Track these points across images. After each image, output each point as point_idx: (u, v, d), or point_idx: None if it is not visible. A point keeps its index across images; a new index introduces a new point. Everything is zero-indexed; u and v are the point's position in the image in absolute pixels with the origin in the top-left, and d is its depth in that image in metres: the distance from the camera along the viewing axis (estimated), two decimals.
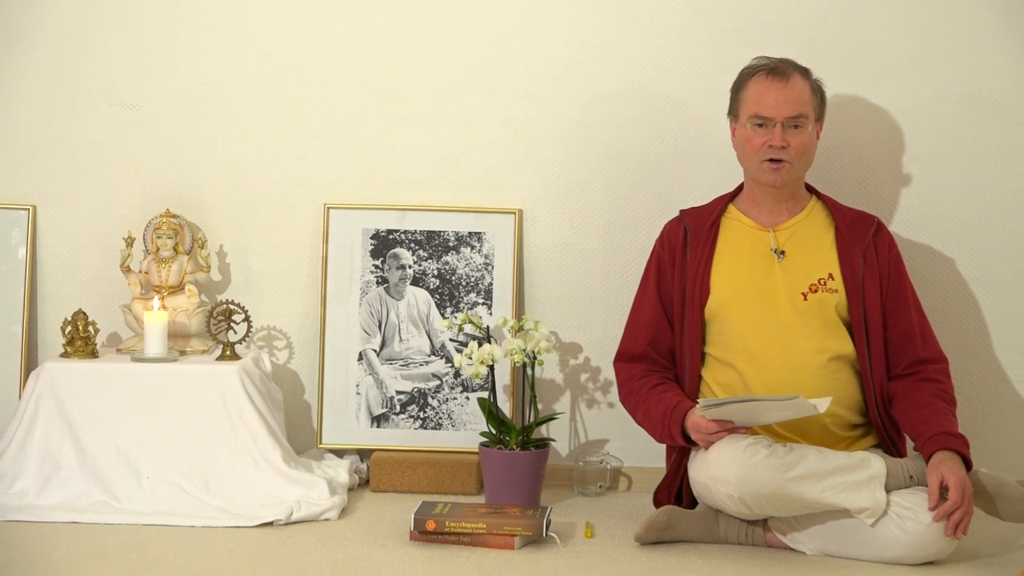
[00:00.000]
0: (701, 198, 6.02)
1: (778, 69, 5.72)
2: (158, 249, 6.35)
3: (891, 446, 5.76)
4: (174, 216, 6.39)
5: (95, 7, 6.46)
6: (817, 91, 5.78)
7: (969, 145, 6.33)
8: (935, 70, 6.34)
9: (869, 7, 6.33)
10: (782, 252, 5.79)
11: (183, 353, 6.28)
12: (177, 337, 6.29)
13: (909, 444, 5.75)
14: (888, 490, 5.47)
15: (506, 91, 6.45)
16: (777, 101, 5.68)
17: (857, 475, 5.47)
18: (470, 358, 6.08)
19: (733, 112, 5.80)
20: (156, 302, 6.23)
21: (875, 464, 5.50)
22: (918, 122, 6.35)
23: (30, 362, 6.43)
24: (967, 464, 5.51)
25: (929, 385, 5.73)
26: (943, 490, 5.37)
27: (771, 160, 5.69)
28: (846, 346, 5.72)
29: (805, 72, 5.76)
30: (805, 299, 5.72)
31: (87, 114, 6.50)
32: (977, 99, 6.34)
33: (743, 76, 5.79)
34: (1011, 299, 6.34)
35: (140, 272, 6.36)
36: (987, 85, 6.33)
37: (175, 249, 6.37)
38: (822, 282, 5.74)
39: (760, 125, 5.67)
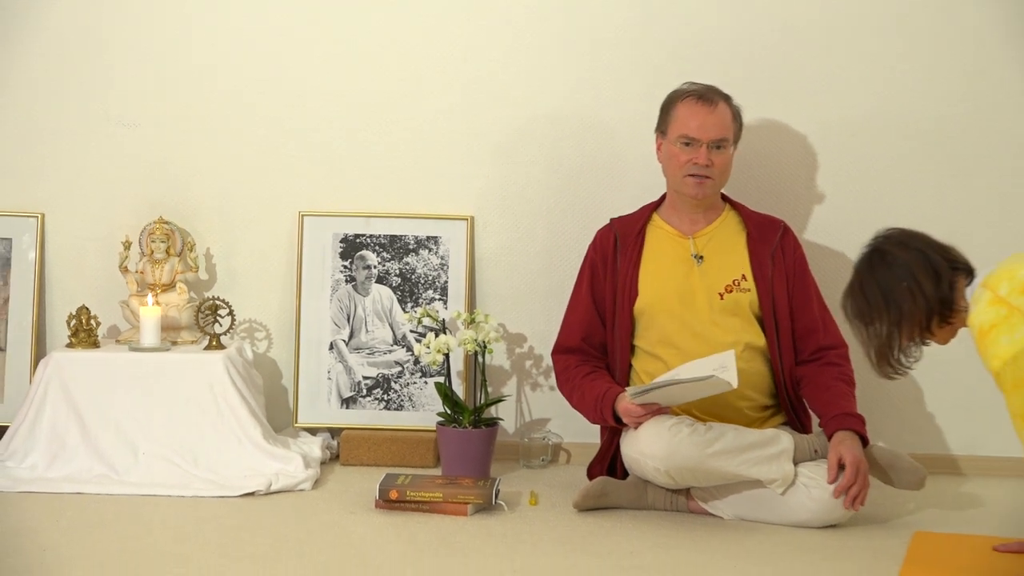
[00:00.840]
0: (629, 206, 6.01)
1: (706, 96, 5.73)
2: (152, 252, 6.36)
3: (798, 423, 5.79)
4: (166, 223, 6.39)
5: (98, 36, 6.45)
6: (737, 117, 5.80)
7: (869, 160, 6.36)
8: (841, 95, 6.36)
9: (784, 41, 6.34)
10: (700, 257, 5.80)
11: (174, 343, 6.29)
12: (169, 329, 6.29)
13: (814, 420, 5.78)
14: (796, 463, 5.52)
15: (460, 111, 6.45)
16: (704, 125, 5.69)
17: (768, 450, 5.50)
18: (428, 347, 6.09)
19: (661, 129, 5.80)
20: (150, 298, 6.23)
21: (784, 440, 5.54)
22: (826, 141, 6.37)
23: (39, 352, 6.42)
24: (864, 441, 5.56)
25: (831, 368, 5.77)
26: (841, 468, 5.43)
27: (694, 175, 5.71)
28: (758, 338, 5.75)
29: (728, 99, 5.77)
30: (721, 298, 5.75)
31: (90, 133, 6.50)
32: (877, 119, 6.37)
33: (673, 98, 5.78)
34: None
35: (136, 272, 6.36)
36: (888, 107, 6.36)
37: (167, 252, 6.36)
38: (736, 283, 5.77)
39: (687, 144, 5.68)
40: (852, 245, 6.23)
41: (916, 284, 4.71)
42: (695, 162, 5.70)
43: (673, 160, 5.75)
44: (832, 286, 6.19)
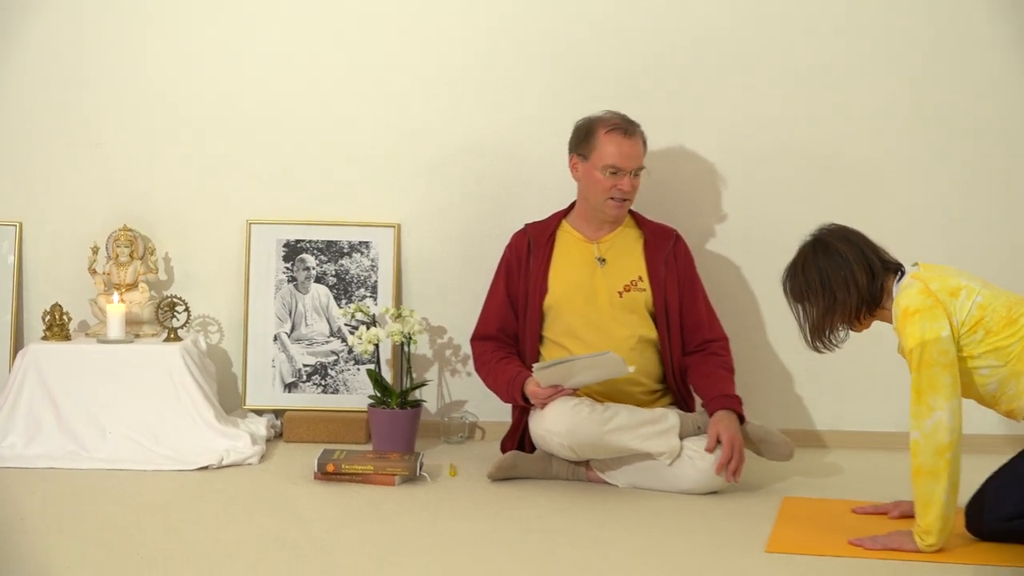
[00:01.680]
0: (535, 215, 6.01)
1: (628, 129, 5.71)
2: (117, 256, 6.33)
3: (683, 404, 5.83)
4: (130, 230, 6.36)
5: (70, 66, 6.43)
6: (646, 144, 5.81)
7: (756, 181, 6.38)
8: (740, 125, 6.38)
9: (686, 73, 6.36)
10: (603, 260, 5.82)
11: (137, 336, 6.26)
12: (132, 324, 6.26)
13: (698, 401, 5.83)
14: (682, 437, 5.55)
15: (389, 133, 6.44)
16: (628, 156, 5.69)
17: (658, 426, 5.54)
18: (360, 339, 6.09)
19: (582, 153, 5.75)
20: (116, 297, 6.21)
21: (671, 418, 5.58)
22: (724, 164, 6.38)
23: (17, 344, 6.39)
24: (741, 418, 5.61)
25: (714, 358, 5.80)
26: (719, 443, 5.49)
27: (616, 199, 5.73)
28: (650, 332, 5.77)
29: (640, 128, 5.78)
30: (620, 296, 5.77)
31: (63, 151, 6.46)
32: (773, 146, 6.39)
33: (595, 127, 5.74)
34: (775, 296, 6.35)
35: (103, 273, 6.33)
36: (782, 135, 6.40)
37: (131, 255, 6.34)
38: (633, 283, 5.79)
39: (613, 173, 5.69)
40: (739, 254, 6.34)
41: (852, 277, 4.78)
42: (619, 188, 5.70)
43: (597, 185, 5.72)
44: (721, 289, 6.28)
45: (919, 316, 4.68)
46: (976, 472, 4.79)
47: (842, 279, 4.79)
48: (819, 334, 4.86)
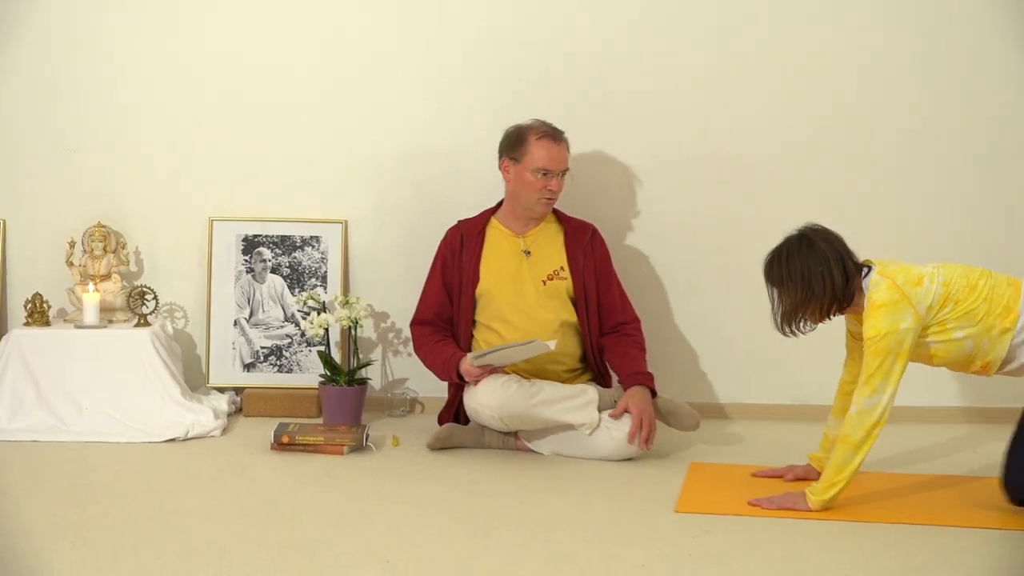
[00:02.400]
0: (469, 212, 6.01)
1: (556, 135, 5.73)
2: (92, 249, 6.30)
3: (601, 380, 5.84)
4: (103, 226, 6.33)
5: (48, 78, 6.38)
6: (569, 149, 5.81)
7: (666, 182, 6.37)
8: (650, 128, 6.37)
9: (607, 86, 6.35)
10: (528, 252, 5.82)
11: (111, 322, 6.23)
12: (106, 311, 6.23)
13: (614, 378, 5.84)
14: (600, 411, 5.57)
15: (338, 137, 6.43)
16: (557, 159, 5.70)
17: (579, 400, 5.56)
18: (312, 323, 6.10)
19: (514, 157, 5.75)
20: (91, 286, 6.19)
21: (591, 392, 5.61)
22: (635, 166, 6.38)
23: (1, 329, 6.33)
24: (653, 392, 5.64)
25: (627, 339, 5.83)
26: (627, 412, 5.53)
27: (547, 198, 5.75)
28: (571, 316, 5.79)
29: (565, 135, 5.79)
30: (544, 285, 5.78)
31: (42, 156, 6.41)
32: (677, 149, 6.39)
33: (526, 134, 5.74)
34: (683, 283, 6.40)
35: (80, 265, 6.30)
36: (697, 144, 6.39)
37: (104, 249, 6.31)
38: (556, 273, 5.80)
39: (544, 174, 5.70)
40: (651, 246, 6.35)
41: (830, 274, 4.78)
42: (549, 188, 5.72)
43: (529, 186, 5.72)
44: (635, 276, 6.31)
45: (885, 310, 4.73)
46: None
47: (820, 275, 4.79)
48: (790, 320, 4.86)
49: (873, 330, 4.72)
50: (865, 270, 4.85)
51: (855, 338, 5.01)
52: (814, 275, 4.78)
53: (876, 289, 4.77)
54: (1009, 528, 4.67)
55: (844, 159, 6.37)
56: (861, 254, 4.92)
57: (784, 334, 4.90)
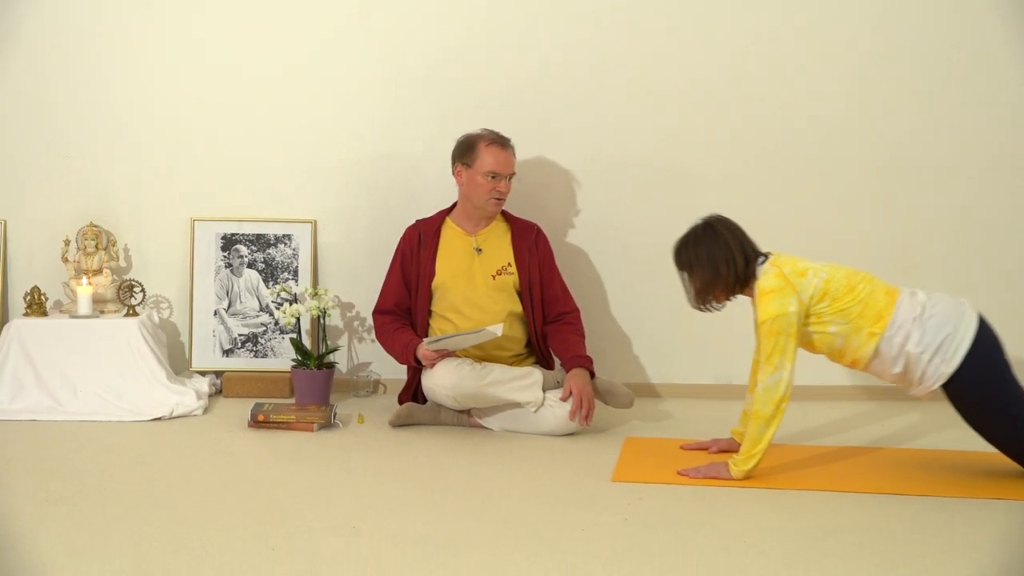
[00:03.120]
0: (426, 212, 6.00)
1: (504, 142, 5.74)
2: (85, 247, 6.27)
3: (544, 363, 5.85)
4: (95, 226, 6.30)
5: (42, 90, 6.34)
6: (515, 155, 5.83)
7: (605, 185, 6.36)
8: (590, 136, 6.36)
9: (551, 94, 6.34)
10: (480, 249, 5.82)
11: (102, 312, 6.20)
12: (98, 302, 6.20)
13: (557, 362, 5.84)
14: (544, 390, 5.58)
15: (308, 143, 6.39)
16: (505, 163, 5.72)
17: (525, 381, 5.57)
18: (284, 313, 6.08)
19: (466, 162, 5.75)
20: (84, 280, 6.16)
21: (536, 374, 5.61)
22: (576, 170, 6.38)
23: (3, 319, 6.31)
24: (592, 374, 5.64)
25: (568, 327, 5.83)
26: (572, 393, 5.53)
27: (497, 199, 5.75)
28: (517, 307, 5.79)
29: (512, 142, 5.80)
30: (494, 279, 5.78)
31: (39, 162, 6.36)
32: (615, 155, 6.38)
33: (476, 142, 5.75)
34: (619, 276, 6.39)
35: (74, 261, 6.25)
36: (630, 148, 6.38)
37: (96, 247, 6.28)
38: (504, 268, 5.80)
39: (493, 177, 5.71)
40: (590, 243, 6.37)
41: (732, 258, 4.86)
42: (498, 190, 5.73)
43: (480, 188, 5.73)
44: (576, 270, 6.32)
45: (772, 295, 4.78)
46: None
47: (723, 258, 4.86)
48: (702, 299, 4.94)
49: (764, 314, 4.78)
50: (761, 258, 4.91)
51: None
52: (719, 259, 4.86)
53: (764, 277, 4.84)
54: (905, 493, 4.71)
55: (764, 162, 6.40)
56: (777, 249, 4.95)
57: (700, 310, 4.99)
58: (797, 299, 4.77)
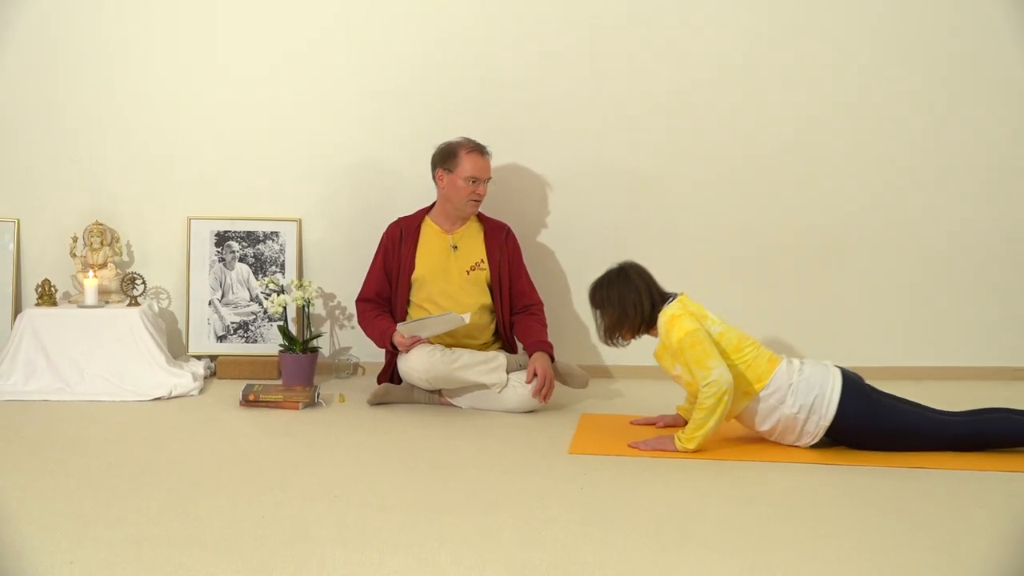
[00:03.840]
0: (404, 211, 6.00)
1: (482, 150, 5.75)
2: (91, 243, 6.25)
3: (509, 349, 5.87)
4: (101, 224, 6.29)
5: (51, 95, 6.34)
6: (491, 161, 5.84)
7: (571, 190, 6.38)
8: (559, 145, 6.37)
9: (521, 107, 6.34)
10: (456, 246, 5.82)
11: (107, 303, 6.20)
12: (103, 293, 6.20)
13: (520, 348, 5.86)
14: (508, 372, 5.60)
15: (296, 148, 6.39)
16: (483, 169, 5.73)
17: (490, 365, 5.58)
18: (272, 303, 6.08)
19: (447, 168, 5.74)
20: (91, 273, 6.15)
21: (500, 358, 5.62)
22: (546, 175, 6.39)
23: (17, 309, 6.29)
24: (552, 358, 5.66)
25: (532, 316, 5.85)
26: (535, 376, 5.55)
27: (475, 201, 5.76)
28: (488, 299, 5.81)
29: (488, 150, 5.80)
30: (468, 274, 5.79)
31: (50, 166, 6.36)
32: (581, 162, 6.39)
33: (456, 149, 5.75)
34: (580, 272, 6.38)
35: (81, 256, 6.25)
36: (598, 157, 6.39)
37: (101, 243, 6.27)
38: (477, 264, 5.81)
39: (473, 182, 5.71)
40: (556, 243, 6.38)
41: (640, 302, 4.93)
42: (477, 193, 5.74)
43: (460, 192, 5.73)
44: (542, 267, 6.35)
45: (678, 319, 4.85)
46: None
47: (632, 302, 4.93)
48: (611, 336, 5.01)
49: (679, 333, 4.83)
50: (670, 299, 4.98)
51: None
52: (628, 302, 4.93)
53: (666, 311, 4.92)
54: (836, 463, 4.74)
55: (718, 169, 6.43)
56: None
57: (608, 345, 5.05)
58: (700, 324, 4.84)
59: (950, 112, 6.41)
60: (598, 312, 5.01)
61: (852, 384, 4.83)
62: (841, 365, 4.94)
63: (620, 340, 5.02)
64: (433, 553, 3.73)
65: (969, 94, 6.39)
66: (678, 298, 4.95)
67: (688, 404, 5.21)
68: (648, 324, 4.96)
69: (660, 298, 4.97)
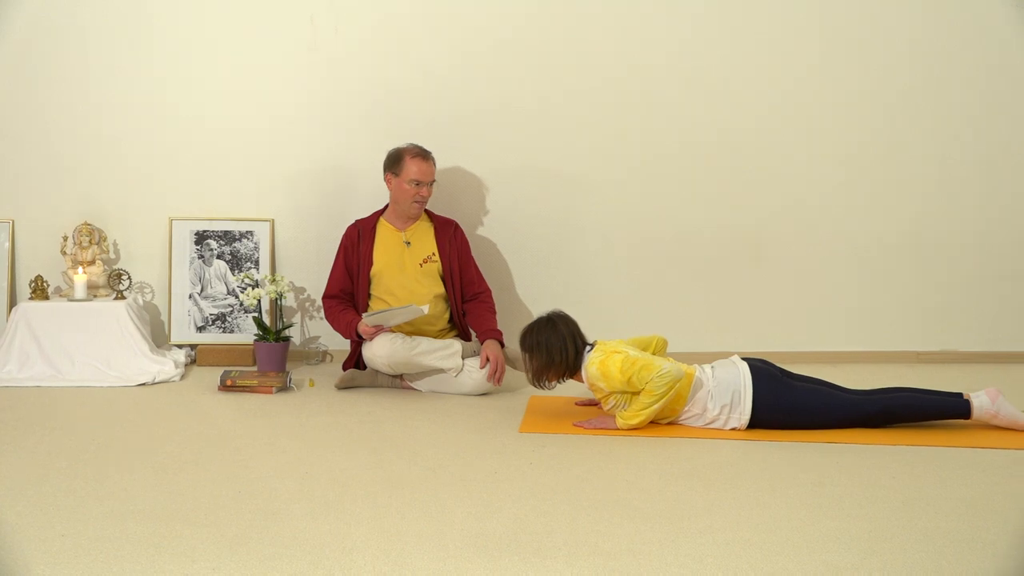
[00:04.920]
0: (363, 212, 5.99)
1: (426, 155, 5.72)
2: (80, 242, 6.18)
3: (464, 335, 5.83)
4: (89, 224, 6.21)
5: (38, 110, 6.25)
6: (435, 165, 5.81)
7: (510, 189, 6.33)
8: (497, 148, 6.32)
9: (467, 117, 6.29)
10: (409, 243, 5.80)
11: (95, 296, 6.13)
12: (92, 288, 6.13)
13: (474, 335, 5.83)
14: (463, 358, 5.59)
15: (268, 153, 6.33)
16: (426, 172, 5.70)
17: (447, 351, 5.57)
18: (248, 296, 6.04)
19: (394, 171, 5.72)
20: (80, 270, 6.08)
21: (456, 345, 5.61)
22: (486, 177, 6.33)
23: (12, 302, 6.23)
24: (502, 344, 5.66)
25: (482, 304, 5.83)
26: (487, 361, 5.54)
27: (419, 202, 5.73)
28: (441, 289, 5.77)
29: (432, 155, 5.77)
30: (421, 267, 5.76)
31: (41, 170, 6.28)
32: (519, 165, 6.34)
33: (402, 154, 5.73)
34: (523, 262, 6.39)
35: (71, 254, 6.17)
36: (535, 157, 6.35)
37: (90, 242, 6.19)
38: (429, 258, 5.78)
39: (417, 184, 5.69)
40: (499, 236, 6.34)
41: (565, 349, 4.94)
42: (420, 195, 5.71)
43: (406, 193, 5.71)
44: (488, 258, 6.29)
45: (605, 363, 4.87)
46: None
47: (558, 349, 4.95)
48: (539, 378, 5.01)
49: (615, 368, 4.84)
50: (588, 347, 5.00)
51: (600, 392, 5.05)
52: (554, 348, 4.94)
53: (590, 360, 4.93)
54: (748, 439, 4.76)
55: (645, 169, 6.41)
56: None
57: (536, 387, 5.05)
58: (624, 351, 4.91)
59: (852, 113, 6.44)
60: (527, 355, 5.01)
61: (760, 372, 4.87)
62: (746, 356, 4.99)
63: (547, 383, 5.02)
64: (395, 524, 3.72)
65: (891, 91, 6.42)
66: (596, 346, 4.98)
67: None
68: (572, 370, 4.98)
69: (583, 344, 4.99)
